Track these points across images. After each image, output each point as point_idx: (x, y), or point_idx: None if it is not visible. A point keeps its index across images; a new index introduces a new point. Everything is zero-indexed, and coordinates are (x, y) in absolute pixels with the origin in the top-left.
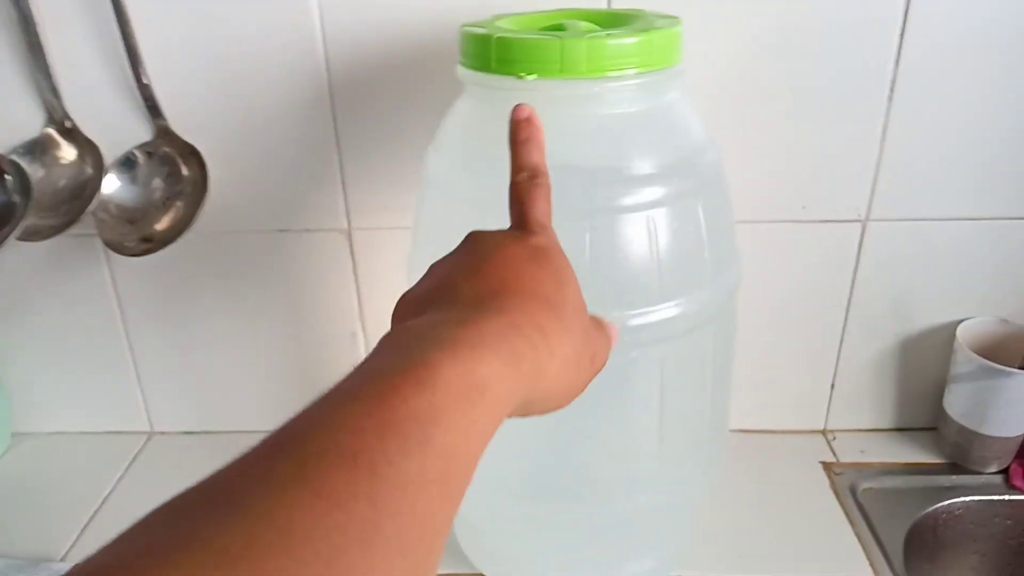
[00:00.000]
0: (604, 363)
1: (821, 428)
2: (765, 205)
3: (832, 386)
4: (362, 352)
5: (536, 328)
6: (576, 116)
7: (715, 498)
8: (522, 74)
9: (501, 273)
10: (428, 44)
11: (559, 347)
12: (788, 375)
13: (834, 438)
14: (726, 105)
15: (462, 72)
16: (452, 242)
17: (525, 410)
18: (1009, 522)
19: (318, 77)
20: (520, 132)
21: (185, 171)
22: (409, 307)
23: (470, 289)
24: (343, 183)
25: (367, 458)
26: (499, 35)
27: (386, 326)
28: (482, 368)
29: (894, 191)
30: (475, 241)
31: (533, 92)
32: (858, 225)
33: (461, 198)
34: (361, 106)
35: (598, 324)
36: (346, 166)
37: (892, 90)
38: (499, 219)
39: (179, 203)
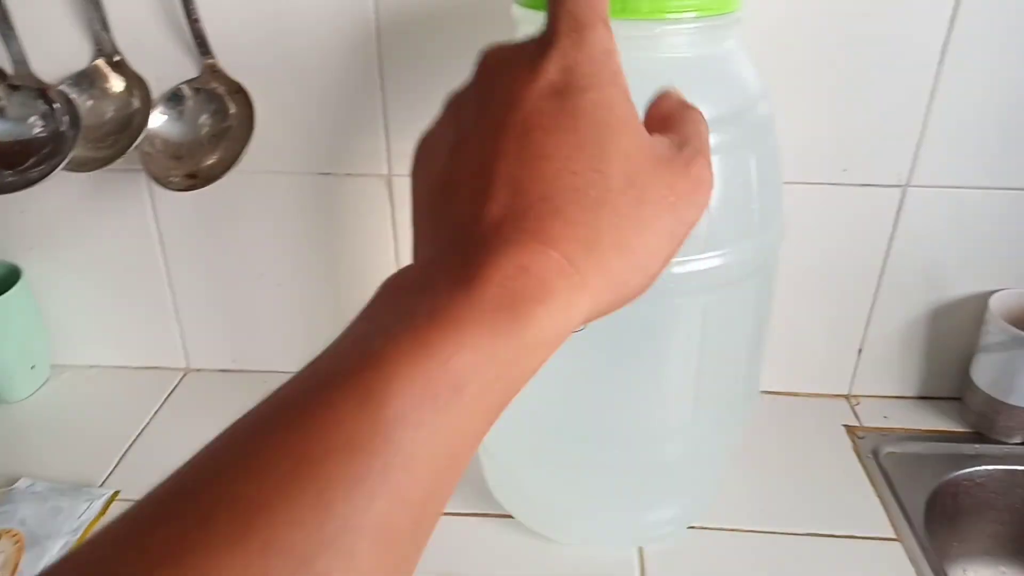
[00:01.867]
0: (701, 206)
1: (845, 393)
2: (805, 166)
3: (859, 351)
4: None
5: (559, 255)
6: (633, 59)
7: (739, 455)
8: None
9: (511, 150)
10: None
11: (601, 257)
12: (816, 339)
13: (858, 403)
14: (773, 60)
15: (517, 12)
16: None
17: (597, 315)
18: None
19: (366, 17)
20: None
21: (232, 108)
22: (420, 169)
23: (471, 194)
24: (386, 128)
25: (265, 520)
26: None
27: None
28: (457, 361)
29: (937, 157)
30: (485, 78)
31: None
32: (898, 190)
33: None
34: (408, 49)
35: (679, 145)
36: (390, 111)
37: (943, 54)
38: None
39: (225, 141)
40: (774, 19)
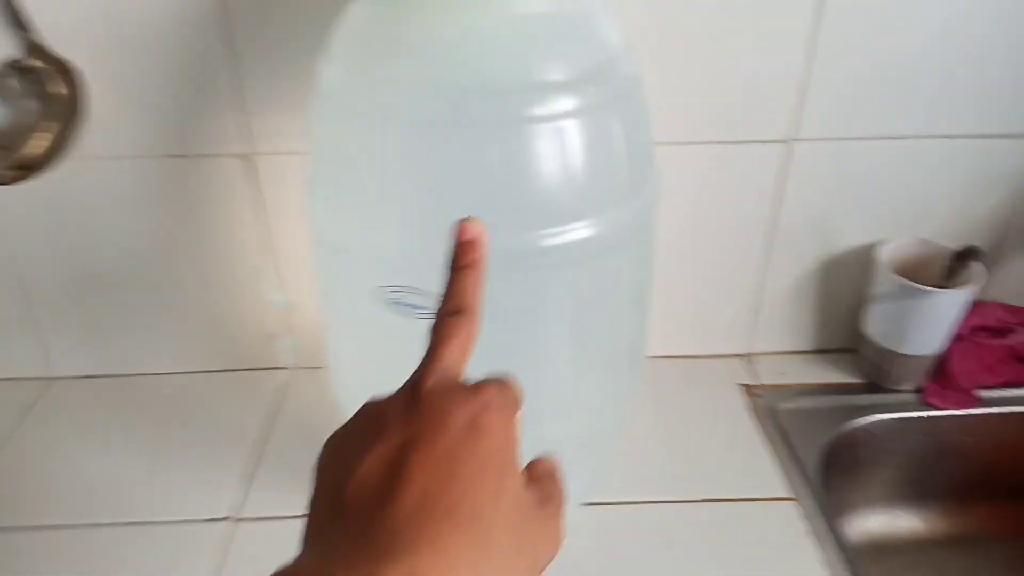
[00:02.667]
0: (552, 555)
1: (743, 352)
2: (690, 125)
3: (754, 310)
4: (270, 288)
5: (449, 565)
6: (482, 17)
7: (636, 424)
8: None
9: (430, 465)
10: None
11: (482, 572)
12: (710, 299)
13: (755, 361)
14: (648, 18)
15: None
16: (351, 162)
17: None
18: (923, 438)
19: None
20: (462, 256)
21: (59, 90)
22: (332, 464)
23: (382, 493)
24: (243, 104)
25: None
26: None
27: (295, 259)
28: None
29: (820, 110)
30: (424, 404)
31: None
32: (783, 146)
33: (358, 111)
34: (260, 15)
35: (542, 502)
36: (246, 84)
37: (821, 4)
38: (397, 134)
39: (54, 125)
40: None
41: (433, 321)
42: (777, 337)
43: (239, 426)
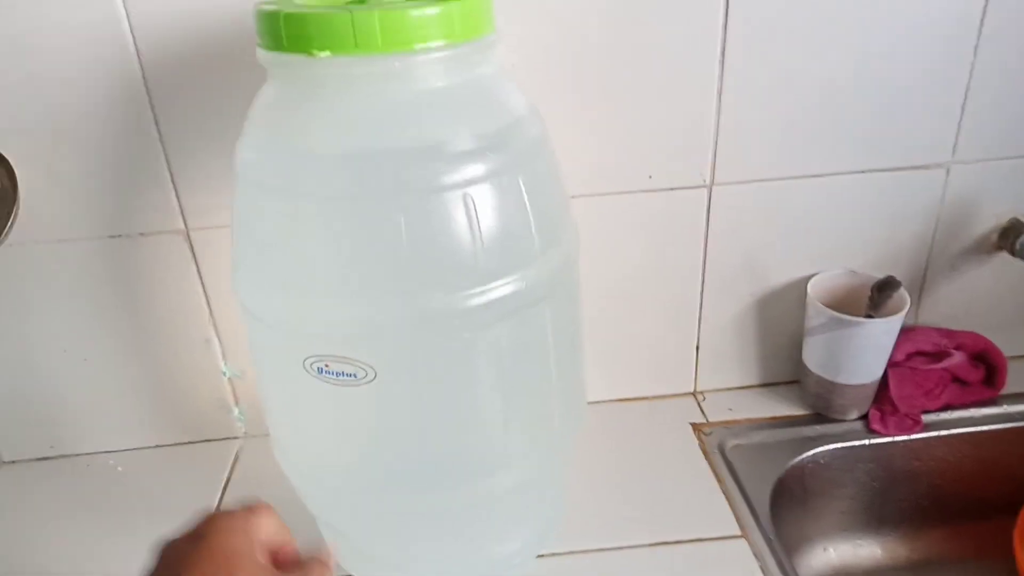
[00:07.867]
0: None
1: (691, 390)
2: (611, 177)
3: (697, 348)
4: (218, 358)
5: None
6: (382, 94)
7: (587, 470)
8: (314, 51)
9: None
10: (240, 28)
11: None
12: (655, 341)
13: (704, 399)
14: (559, 78)
15: (260, 55)
16: (268, 239)
17: None
18: (872, 465)
19: (130, 69)
20: None
21: None
22: None
23: None
24: (173, 182)
25: None
26: (288, 11)
27: (240, 329)
28: None
29: (735, 154)
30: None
31: (331, 70)
32: (704, 190)
33: (269, 188)
34: (181, 99)
35: None
36: (174, 163)
37: (723, 55)
38: (310, 208)
39: None
40: (552, 39)
41: None
42: (724, 373)
43: (193, 499)
